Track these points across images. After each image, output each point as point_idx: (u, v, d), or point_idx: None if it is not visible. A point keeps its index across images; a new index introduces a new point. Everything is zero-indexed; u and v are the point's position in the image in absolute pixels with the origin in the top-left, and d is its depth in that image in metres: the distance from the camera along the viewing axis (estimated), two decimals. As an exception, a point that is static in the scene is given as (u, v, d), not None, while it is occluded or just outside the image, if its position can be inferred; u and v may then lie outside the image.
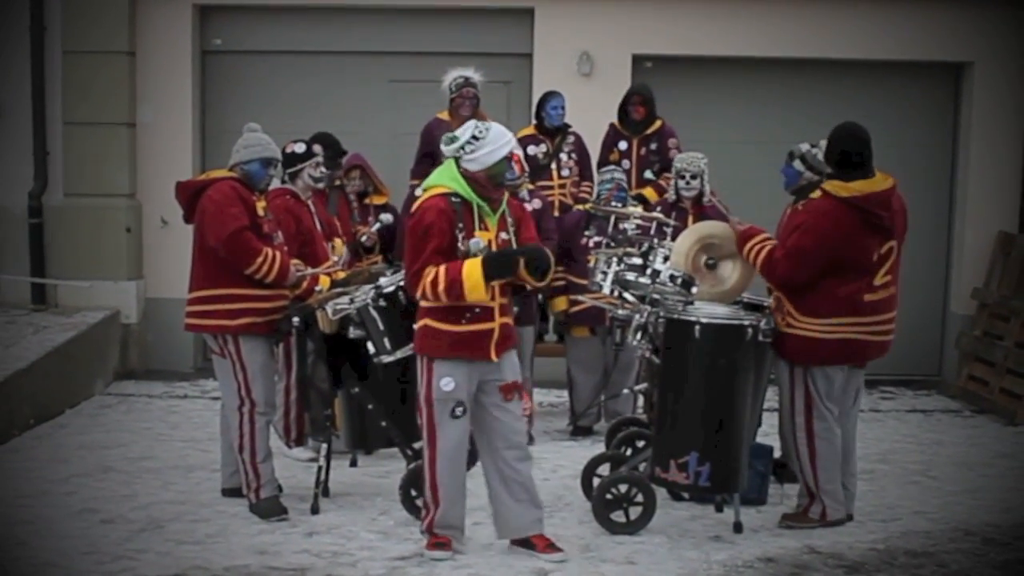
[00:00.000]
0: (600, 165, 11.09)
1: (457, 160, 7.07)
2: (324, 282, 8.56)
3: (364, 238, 10.17)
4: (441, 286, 6.93)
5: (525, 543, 7.34)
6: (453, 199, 7.04)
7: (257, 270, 7.91)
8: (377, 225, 10.22)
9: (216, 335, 8.06)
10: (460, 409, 7.13)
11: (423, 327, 7.18)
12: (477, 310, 7.05)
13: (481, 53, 12.17)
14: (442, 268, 6.93)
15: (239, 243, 7.84)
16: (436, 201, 7.06)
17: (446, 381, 7.09)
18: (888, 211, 7.65)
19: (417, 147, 11.29)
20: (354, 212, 10.25)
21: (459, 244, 7.01)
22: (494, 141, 7.06)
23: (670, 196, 10.06)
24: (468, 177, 7.06)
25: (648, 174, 11.13)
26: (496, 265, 6.94)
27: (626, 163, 11.22)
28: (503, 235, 7.14)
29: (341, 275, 8.71)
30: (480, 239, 7.00)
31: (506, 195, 7.24)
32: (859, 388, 8.13)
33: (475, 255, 6.96)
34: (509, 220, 7.21)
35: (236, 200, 7.92)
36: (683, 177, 9.87)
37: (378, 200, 10.57)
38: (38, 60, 12.37)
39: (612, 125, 11.45)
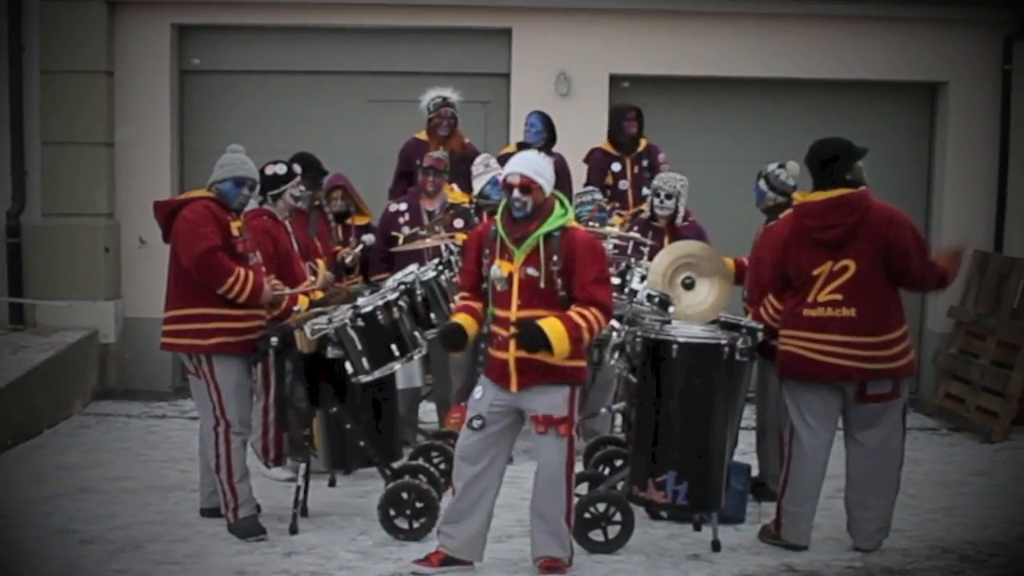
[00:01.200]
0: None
1: None
2: (303, 302, 8.57)
3: (348, 259, 10.19)
4: None
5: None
6: (493, 227, 7.23)
7: (229, 290, 7.90)
8: (360, 247, 10.24)
9: (190, 355, 8.05)
10: (477, 422, 7.19)
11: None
12: (499, 338, 7.14)
13: (459, 73, 12.23)
14: (460, 303, 7.44)
15: (210, 263, 7.84)
16: (480, 226, 7.57)
17: (477, 390, 7.30)
18: (816, 221, 7.62)
19: (395, 167, 11.33)
20: (334, 232, 10.26)
21: (483, 270, 7.22)
22: (504, 171, 7.37)
23: (645, 213, 10.07)
24: (506, 207, 7.21)
25: (645, 191, 11.12)
26: (443, 339, 7.39)
27: (623, 183, 11.28)
28: (529, 270, 7.05)
29: (319, 295, 8.73)
30: (497, 268, 7.07)
31: (541, 229, 7.04)
32: (880, 419, 7.82)
33: (493, 282, 7.10)
34: (550, 257, 7.04)
35: (209, 220, 7.92)
36: (658, 195, 9.87)
37: (360, 220, 10.61)
38: (16, 79, 12.35)
39: (600, 149, 11.49)
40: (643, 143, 11.43)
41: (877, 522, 7.93)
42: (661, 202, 9.83)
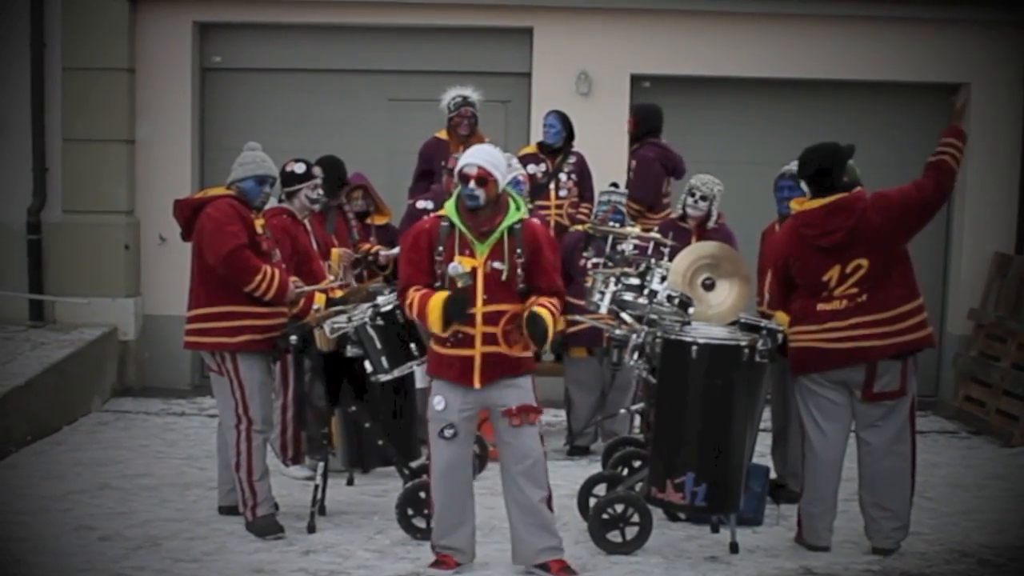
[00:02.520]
0: None
1: None
2: (320, 300, 8.57)
3: (382, 255, 10.12)
4: (415, 311, 7.11)
5: (542, 567, 7.30)
6: (443, 223, 7.11)
7: (256, 288, 7.91)
8: (397, 250, 10.07)
9: (214, 353, 8.05)
10: (450, 431, 7.15)
11: (429, 346, 7.31)
12: (460, 335, 7.06)
13: (480, 72, 12.22)
14: (419, 295, 7.06)
15: (238, 261, 7.85)
16: (424, 223, 7.26)
17: (437, 400, 7.17)
18: (815, 230, 7.64)
19: (415, 166, 11.31)
20: (353, 231, 10.23)
21: (436, 268, 7.07)
22: (459, 162, 7.19)
23: (676, 212, 9.97)
24: (459, 201, 7.11)
25: (623, 189, 11.06)
26: (453, 307, 6.96)
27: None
28: (495, 263, 7.04)
29: (339, 293, 8.73)
30: (459, 264, 6.96)
31: (505, 222, 7.06)
32: (886, 418, 7.83)
33: (453, 279, 6.97)
34: (514, 250, 7.06)
35: (235, 218, 7.93)
36: (693, 195, 9.76)
37: (379, 220, 10.58)
38: (38, 76, 12.39)
39: None
40: (635, 146, 11.31)
41: (894, 521, 7.91)
42: (696, 202, 9.72)
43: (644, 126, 11.19)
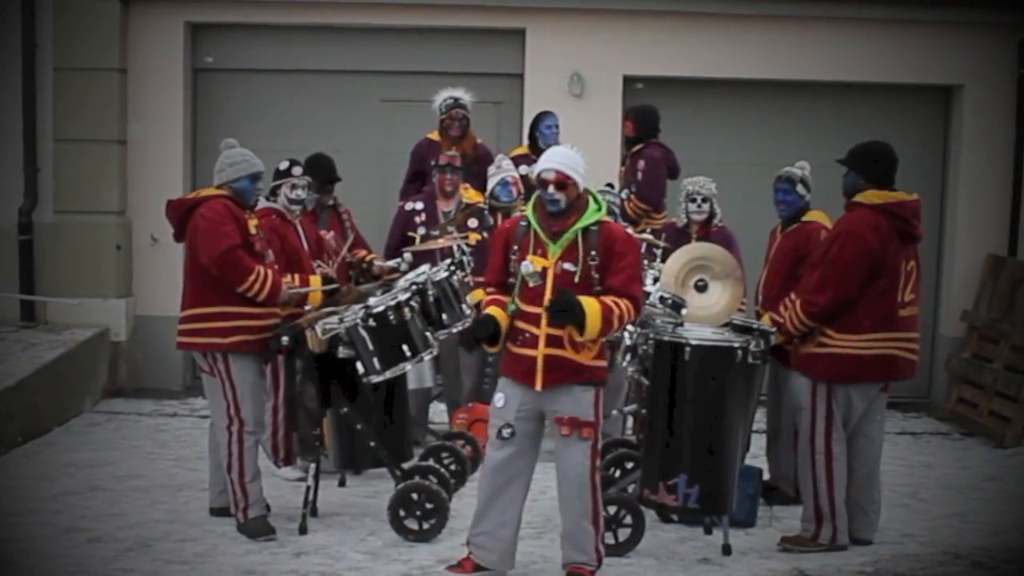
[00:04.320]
0: None
1: None
2: (314, 299, 8.55)
3: (376, 264, 9.97)
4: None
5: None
6: (522, 223, 7.11)
7: (249, 288, 7.89)
8: (395, 263, 9.93)
9: (206, 353, 8.03)
10: (508, 431, 7.06)
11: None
12: (527, 335, 6.99)
13: (472, 73, 12.21)
14: (483, 301, 7.22)
15: (231, 261, 7.83)
16: (507, 222, 7.39)
17: (499, 397, 7.14)
18: (918, 220, 7.75)
19: (407, 167, 11.29)
20: (347, 231, 10.11)
21: (511, 267, 7.07)
22: (537, 166, 7.16)
23: (680, 221, 9.92)
24: (538, 202, 7.09)
25: (623, 193, 11.07)
26: (476, 328, 7.20)
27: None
28: (566, 265, 6.95)
29: (318, 279, 8.72)
30: (530, 264, 6.91)
31: (579, 224, 6.95)
32: (882, 412, 8.12)
33: (525, 278, 6.92)
34: (588, 252, 6.96)
35: (229, 218, 7.91)
36: (694, 200, 9.72)
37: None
38: (29, 77, 12.35)
39: None
40: (640, 146, 11.30)
41: (878, 509, 8.17)
42: (698, 206, 9.69)
43: (644, 127, 11.19)
